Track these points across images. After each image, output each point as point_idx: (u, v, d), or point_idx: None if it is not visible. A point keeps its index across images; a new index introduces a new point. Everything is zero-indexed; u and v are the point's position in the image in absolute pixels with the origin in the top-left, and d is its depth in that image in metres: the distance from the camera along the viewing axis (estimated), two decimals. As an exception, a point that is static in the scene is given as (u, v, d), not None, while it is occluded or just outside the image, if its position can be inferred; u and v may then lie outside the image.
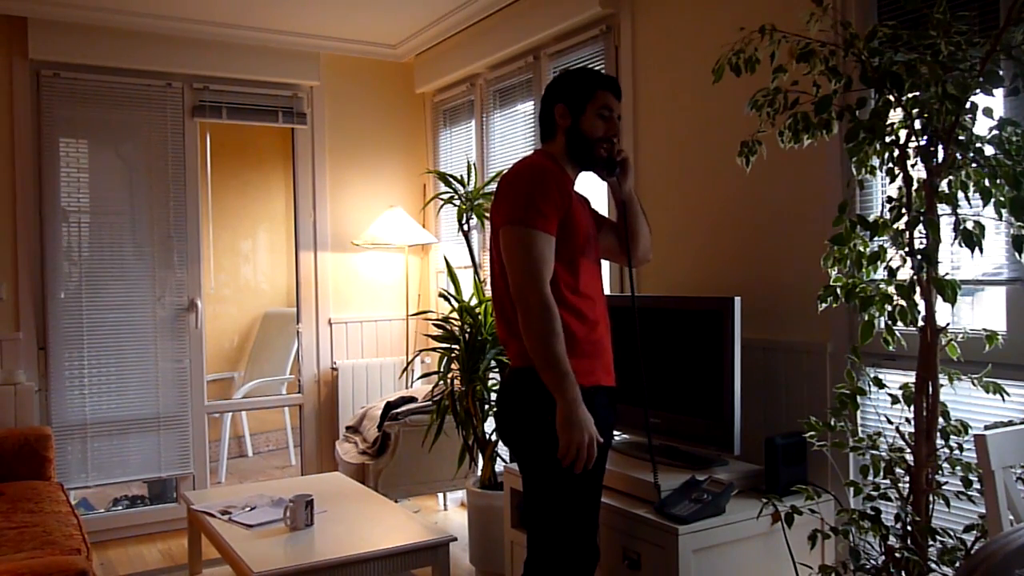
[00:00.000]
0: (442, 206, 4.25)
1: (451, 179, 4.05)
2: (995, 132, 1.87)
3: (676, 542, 2.33)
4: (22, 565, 2.21)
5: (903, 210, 1.97)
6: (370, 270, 5.18)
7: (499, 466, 3.73)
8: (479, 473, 3.84)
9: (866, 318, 2.02)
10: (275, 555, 2.90)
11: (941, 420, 2.03)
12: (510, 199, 2.25)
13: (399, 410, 4.30)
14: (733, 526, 2.44)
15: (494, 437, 3.75)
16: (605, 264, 3.74)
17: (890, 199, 2.02)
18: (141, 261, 4.53)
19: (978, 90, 1.85)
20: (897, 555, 2.01)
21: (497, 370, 3.75)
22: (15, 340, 4.23)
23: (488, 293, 3.88)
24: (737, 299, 2.66)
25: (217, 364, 6.02)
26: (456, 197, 4.04)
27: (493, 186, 4.06)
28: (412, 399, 4.45)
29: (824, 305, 2.10)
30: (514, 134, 4.41)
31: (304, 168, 5.03)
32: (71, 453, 4.35)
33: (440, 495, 4.85)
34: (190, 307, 4.63)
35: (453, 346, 3.78)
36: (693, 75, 3.21)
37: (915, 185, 1.97)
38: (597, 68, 3.76)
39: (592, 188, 3.88)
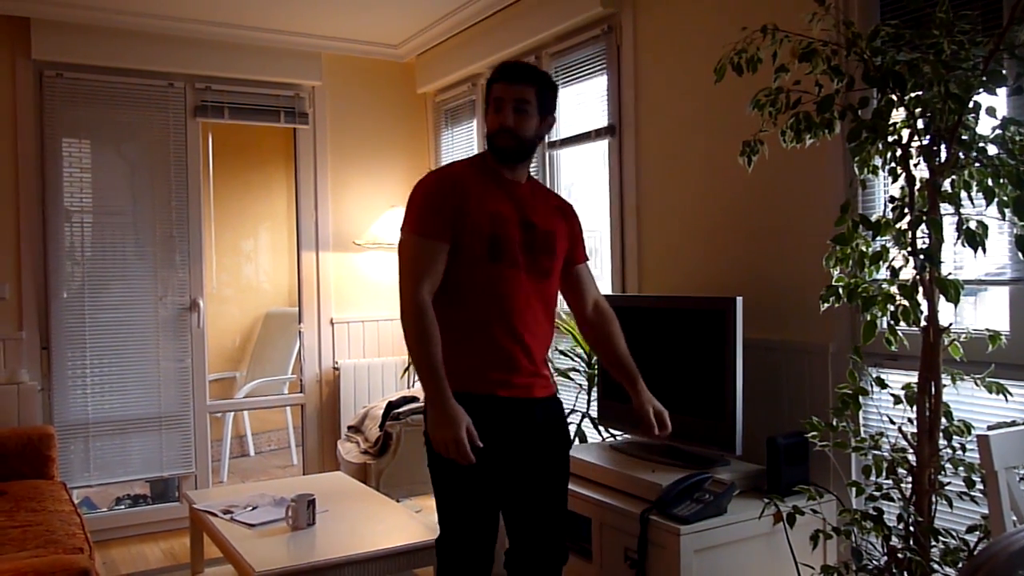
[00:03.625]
0: (444, 206, 4.23)
1: (453, 179, 4.04)
2: (998, 131, 1.87)
3: (678, 542, 2.33)
4: (25, 564, 2.21)
5: (906, 210, 1.97)
6: (372, 270, 5.18)
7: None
8: (481, 473, 3.83)
9: (868, 318, 2.02)
10: (277, 554, 2.90)
11: (944, 420, 2.02)
12: (407, 205, 2.33)
13: (401, 410, 4.30)
14: (735, 526, 2.44)
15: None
16: (605, 262, 3.75)
17: (892, 199, 2.01)
18: (143, 261, 4.53)
19: (981, 89, 1.84)
20: (899, 555, 2.01)
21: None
22: (18, 340, 4.24)
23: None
24: (739, 299, 2.66)
25: (219, 364, 6.03)
26: (458, 197, 4.03)
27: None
28: (414, 399, 4.45)
29: (826, 305, 2.10)
30: (516, 134, 4.40)
31: (306, 168, 5.03)
32: (74, 452, 4.35)
33: (442, 495, 4.84)
34: (192, 307, 4.64)
35: (455, 346, 3.77)
36: (695, 75, 3.21)
37: (918, 185, 1.97)
38: (598, 68, 3.76)
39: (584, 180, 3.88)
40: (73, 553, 2.87)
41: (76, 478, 4.33)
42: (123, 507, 4.65)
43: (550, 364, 2.46)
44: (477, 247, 2.22)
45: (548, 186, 4.15)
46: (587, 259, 2.55)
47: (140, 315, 4.51)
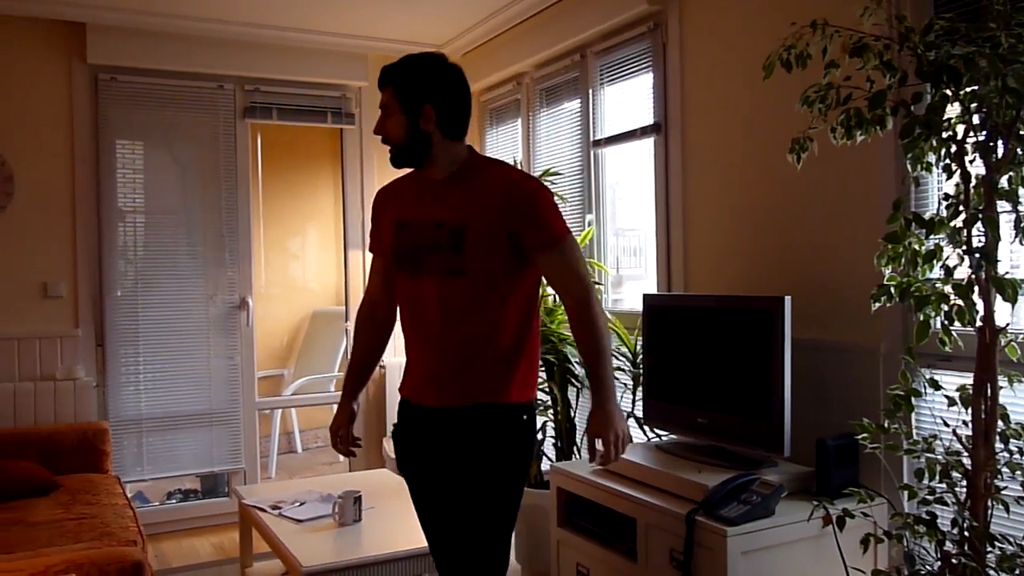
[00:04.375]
0: (489, 205, 4.25)
1: (498, 178, 4.05)
2: (1058, 127, 1.82)
3: (724, 544, 2.31)
4: (81, 555, 2.27)
5: (960, 207, 1.93)
6: (417, 269, 5.20)
7: (545, 465, 3.73)
8: (525, 472, 3.83)
9: (921, 318, 1.97)
10: (324, 550, 2.94)
11: (1000, 423, 1.97)
12: None
13: (446, 408, 4.32)
14: (783, 528, 2.40)
15: (540, 435, 3.75)
16: (650, 261, 3.72)
17: (947, 196, 1.97)
18: (194, 260, 4.62)
19: (1040, 83, 1.79)
20: (954, 561, 1.96)
21: (543, 369, 3.74)
22: (74, 337, 4.34)
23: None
24: (787, 298, 2.62)
25: (267, 361, 6.12)
26: (503, 196, 4.03)
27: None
28: (459, 397, 4.46)
29: (877, 305, 2.06)
30: (560, 132, 4.40)
31: (352, 167, 5.08)
32: (127, 447, 4.45)
33: (486, 493, 4.86)
34: (241, 305, 4.71)
35: (499, 345, 3.78)
36: (742, 72, 3.17)
37: (973, 182, 1.92)
38: (644, 66, 3.74)
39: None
40: (127, 546, 2.94)
41: (129, 472, 4.43)
42: (174, 501, 4.75)
43: (507, 370, 2.18)
44: (390, 257, 2.27)
45: (593, 183, 4.14)
46: (549, 244, 2.11)
47: (191, 313, 4.60)
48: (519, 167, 4.02)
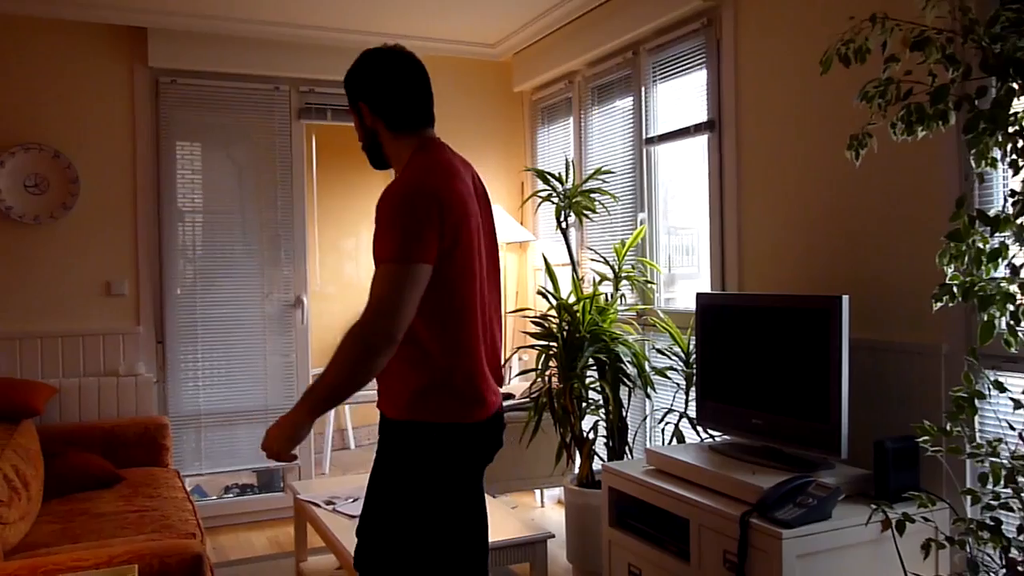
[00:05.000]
0: (540, 204, 4.25)
1: (549, 176, 4.05)
2: None
3: (780, 546, 2.27)
4: (143, 547, 2.33)
5: (1027, 204, 1.87)
6: (469, 268, 5.22)
7: (597, 464, 3.72)
8: (576, 471, 3.83)
9: (985, 318, 1.92)
10: (377, 546, 2.96)
11: (1069, 427, 1.91)
12: None
13: (497, 406, 4.33)
14: (840, 532, 2.36)
15: (592, 435, 3.74)
16: (704, 260, 3.69)
17: (1013, 192, 1.91)
18: (251, 259, 4.70)
19: (1112, 76, 1.73)
20: (1020, 568, 1.90)
21: (595, 368, 3.73)
22: (136, 334, 4.46)
23: (587, 290, 3.87)
24: (845, 298, 2.57)
25: (322, 359, 6.17)
26: (554, 195, 4.04)
27: (592, 183, 4.04)
28: (510, 396, 4.48)
29: (939, 304, 2.01)
30: (613, 130, 4.38)
31: (405, 167, 5.12)
32: (186, 442, 4.56)
33: (537, 491, 4.87)
34: (296, 303, 4.78)
35: (551, 344, 3.78)
36: (798, 67, 3.12)
37: (1041, 178, 1.86)
38: (697, 62, 3.70)
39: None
40: (186, 538, 3.01)
41: (188, 467, 4.53)
42: (231, 496, 4.84)
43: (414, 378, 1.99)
44: None
45: (645, 181, 4.12)
46: (376, 260, 1.92)
47: (248, 311, 4.69)
48: (571, 166, 4.00)
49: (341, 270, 6.70)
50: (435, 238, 1.90)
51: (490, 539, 3.01)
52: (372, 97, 2.08)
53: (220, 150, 4.72)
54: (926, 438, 2.10)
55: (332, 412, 5.86)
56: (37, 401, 3.69)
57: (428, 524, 2.02)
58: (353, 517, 3.27)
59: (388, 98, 2.07)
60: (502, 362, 2.20)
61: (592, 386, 3.74)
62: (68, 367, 4.30)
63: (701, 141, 3.71)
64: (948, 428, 2.07)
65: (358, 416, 6.44)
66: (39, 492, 3.44)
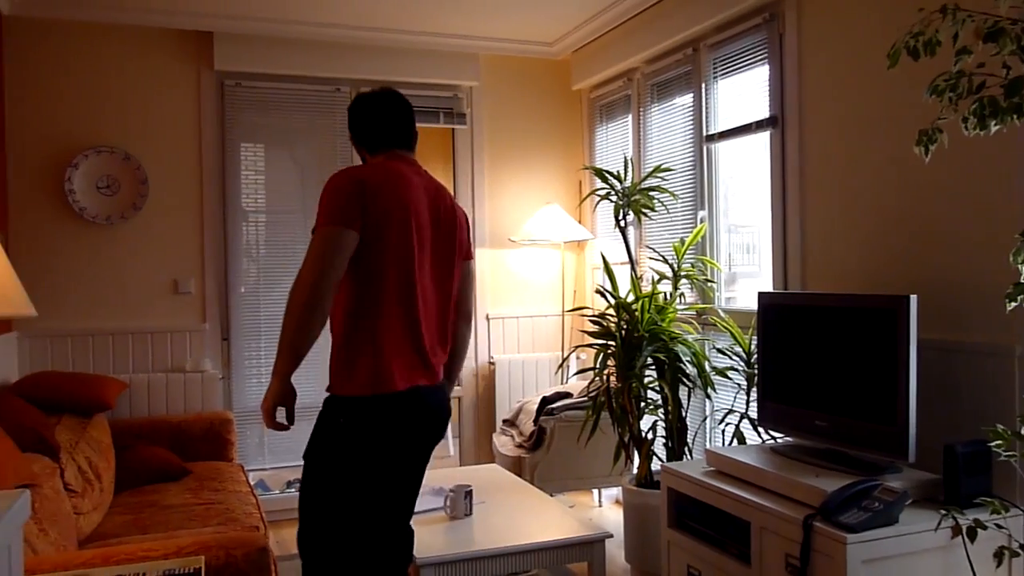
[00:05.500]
0: (599, 202, 4.24)
1: (607, 175, 4.03)
2: None
3: (844, 551, 2.23)
4: (210, 539, 2.38)
5: (1108, 200, 1.80)
6: (526, 267, 5.24)
7: (655, 465, 3.69)
8: (635, 471, 3.81)
9: (1063, 318, 1.85)
10: (436, 542, 2.99)
11: None
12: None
13: (554, 405, 4.33)
14: (907, 538, 2.30)
15: (650, 435, 3.71)
16: (765, 258, 3.63)
17: (1092, 188, 1.84)
18: (312, 258, 4.77)
19: None
20: (1098, 578, 1.83)
21: (654, 367, 3.70)
22: (202, 331, 4.57)
23: (646, 289, 3.84)
24: (913, 297, 2.51)
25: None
26: (612, 193, 4.02)
27: (651, 181, 4.01)
28: (567, 395, 4.47)
29: (1013, 304, 1.94)
30: (673, 127, 4.34)
31: (463, 167, 5.16)
32: (249, 437, 4.65)
33: (595, 491, 4.85)
34: (356, 301, 4.83)
35: (609, 343, 3.77)
36: (864, 61, 3.05)
37: (1123, 173, 1.79)
38: (759, 58, 3.65)
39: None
40: (250, 531, 3.07)
41: (252, 461, 4.63)
42: (293, 490, 4.92)
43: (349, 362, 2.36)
44: None
45: (705, 179, 4.08)
46: (313, 231, 2.36)
47: (309, 309, 4.75)
48: (630, 164, 3.98)
49: (400, 269, 6.76)
50: (358, 212, 2.25)
51: (551, 538, 3.03)
52: (352, 130, 2.62)
53: (282, 150, 4.80)
54: (999, 442, 2.03)
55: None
56: (109, 396, 3.80)
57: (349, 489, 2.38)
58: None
59: (361, 130, 2.59)
60: (440, 349, 2.46)
61: (651, 386, 3.71)
62: (138, 363, 4.43)
63: (763, 138, 3.65)
64: (1022, 432, 2.00)
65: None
66: (111, 484, 3.55)
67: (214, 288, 4.60)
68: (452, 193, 5.21)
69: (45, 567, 2.08)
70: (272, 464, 4.73)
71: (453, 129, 5.12)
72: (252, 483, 3.98)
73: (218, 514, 3.28)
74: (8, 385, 3.80)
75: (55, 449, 3.08)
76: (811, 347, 2.91)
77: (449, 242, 2.48)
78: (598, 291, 3.96)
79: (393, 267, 2.29)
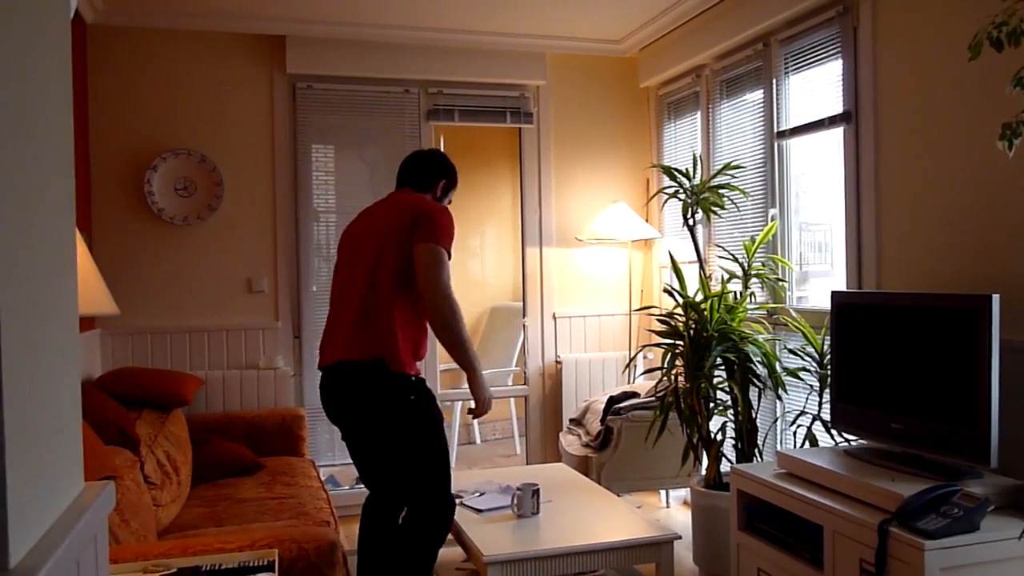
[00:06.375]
0: (666, 200, 4.19)
1: (676, 172, 3.99)
2: None
3: (922, 558, 2.16)
4: (283, 532, 2.44)
5: None
6: (593, 265, 5.22)
7: (724, 466, 3.64)
8: (703, 472, 3.76)
9: None
10: (504, 541, 3.01)
11: None
12: (442, 225, 3.17)
13: (621, 405, 4.31)
14: (989, 545, 2.22)
15: (720, 436, 3.67)
16: (839, 256, 3.55)
17: None
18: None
19: None
20: None
21: (723, 367, 3.65)
22: (275, 329, 4.67)
23: (715, 288, 3.79)
24: (996, 297, 2.42)
25: (448, 355, 6.30)
26: (681, 191, 3.97)
27: (720, 178, 3.95)
28: (635, 394, 4.44)
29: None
30: (743, 124, 4.27)
31: (530, 166, 5.16)
32: (320, 433, 4.74)
33: (662, 492, 4.81)
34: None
35: (677, 342, 3.73)
36: (943, 53, 2.95)
37: None
38: (832, 53, 3.57)
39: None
40: (321, 526, 3.13)
41: (322, 457, 4.72)
42: (362, 487, 4.98)
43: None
44: None
45: (776, 176, 4.01)
46: None
47: (378, 308, 4.81)
48: (699, 162, 3.92)
49: (466, 267, 6.81)
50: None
51: (618, 538, 3.02)
52: (433, 182, 3.70)
53: (352, 152, 4.88)
54: (1088, 448, 1.95)
55: (459, 406, 5.97)
56: (187, 392, 3.92)
57: None
58: (480, 511, 3.33)
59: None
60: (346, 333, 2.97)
61: (720, 386, 3.66)
62: (213, 360, 4.56)
63: (836, 133, 3.57)
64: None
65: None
66: (188, 477, 3.66)
67: (286, 287, 4.70)
68: (519, 193, 5.25)
69: (127, 556, 2.15)
70: (342, 460, 4.80)
71: (520, 128, 5.13)
72: (323, 478, 4.06)
73: (290, 508, 3.35)
74: (91, 380, 3.95)
75: (136, 443, 3.18)
76: (887, 348, 2.83)
77: (373, 237, 3.22)
78: (666, 290, 3.92)
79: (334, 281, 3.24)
